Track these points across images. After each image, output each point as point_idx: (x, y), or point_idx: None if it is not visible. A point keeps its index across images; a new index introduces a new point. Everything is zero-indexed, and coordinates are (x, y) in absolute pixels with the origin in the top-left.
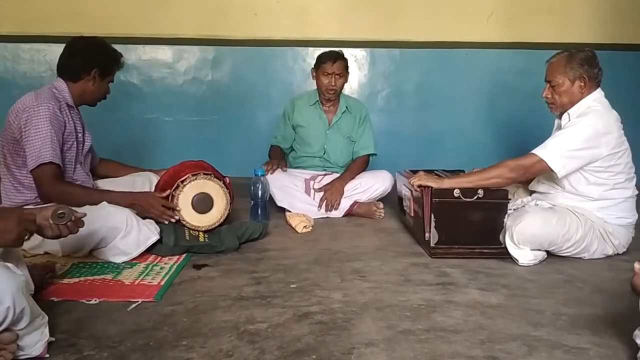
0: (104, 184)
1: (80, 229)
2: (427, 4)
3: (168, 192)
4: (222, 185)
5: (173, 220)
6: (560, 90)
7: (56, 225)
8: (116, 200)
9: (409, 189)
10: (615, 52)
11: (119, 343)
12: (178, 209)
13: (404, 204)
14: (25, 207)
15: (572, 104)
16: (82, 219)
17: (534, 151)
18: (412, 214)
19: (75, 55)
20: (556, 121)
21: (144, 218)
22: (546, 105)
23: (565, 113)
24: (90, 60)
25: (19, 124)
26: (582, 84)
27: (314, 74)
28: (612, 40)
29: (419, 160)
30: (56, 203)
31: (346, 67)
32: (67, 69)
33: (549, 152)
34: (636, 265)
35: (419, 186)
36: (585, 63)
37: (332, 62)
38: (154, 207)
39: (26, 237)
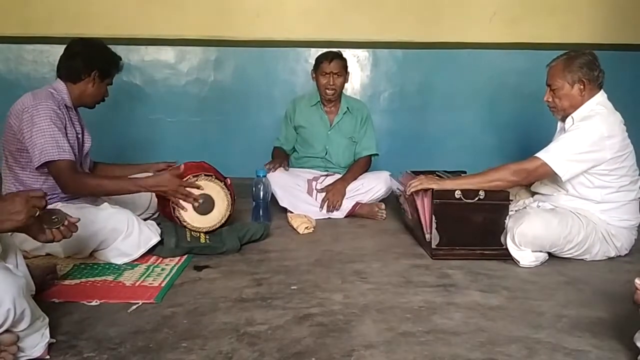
0: None
1: (74, 233)
2: (430, 5)
3: (188, 177)
4: (223, 186)
5: (196, 203)
6: (560, 93)
7: (49, 230)
8: (139, 186)
9: (401, 192)
10: (618, 53)
11: (119, 345)
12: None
13: (402, 206)
14: None
15: (574, 107)
16: (76, 223)
17: (537, 155)
18: (410, 216)
19: (76, 56)
20: (559, 124)
21: (146, 219)
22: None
23: (569, 116)
24: (91, 62)
25: (20, 124)
26: (582, 87)
27: (314, 76)
28: (615, 40)
29: (420, 161)
30: (84, 196)
31: (345, 67)
32: (67, 70)
33: (552, 155)
34: (637, 281)
35: (419, 190)
36: (584, 66)
37: (329, 61)
38: (179, 185)
39: (36, 214)
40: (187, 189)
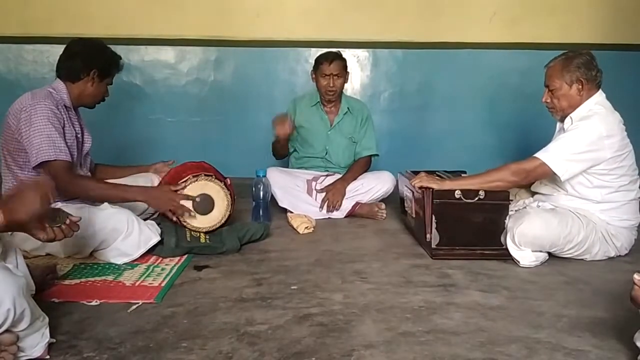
0: None
1: (75, 232)
2: (430, 5)
3: (182, 184)
4: (223, 186)
5: (190, 213)
6: (558, 94)
7: (51, 228)
8: (133, 196)
9: (410, 190)
10: (618, 53)
11: (119, 345)
12: (194, 200)
13: (406, 204)
14: None
15: (572, 107)
16: (78, 222)
17: (536, 155)
18: (414, 215)
19: (75, 56)
20: (558, 124)
21: (146, 219)
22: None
23: (568, 117)
24: (90, 62)
25: (18, 124)
26: (580, 87)
27: (313, 76)
28: (616, 40)
29: (421, 161)
30: (78, 198)
31: (345, 67)
32: (67, 70)
33: (551, 155)
34: (636, 276)
35: (420, 187)
36: (581, 66)
37: (329, 62)
38: (173, 200)
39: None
40: (183, 193)
